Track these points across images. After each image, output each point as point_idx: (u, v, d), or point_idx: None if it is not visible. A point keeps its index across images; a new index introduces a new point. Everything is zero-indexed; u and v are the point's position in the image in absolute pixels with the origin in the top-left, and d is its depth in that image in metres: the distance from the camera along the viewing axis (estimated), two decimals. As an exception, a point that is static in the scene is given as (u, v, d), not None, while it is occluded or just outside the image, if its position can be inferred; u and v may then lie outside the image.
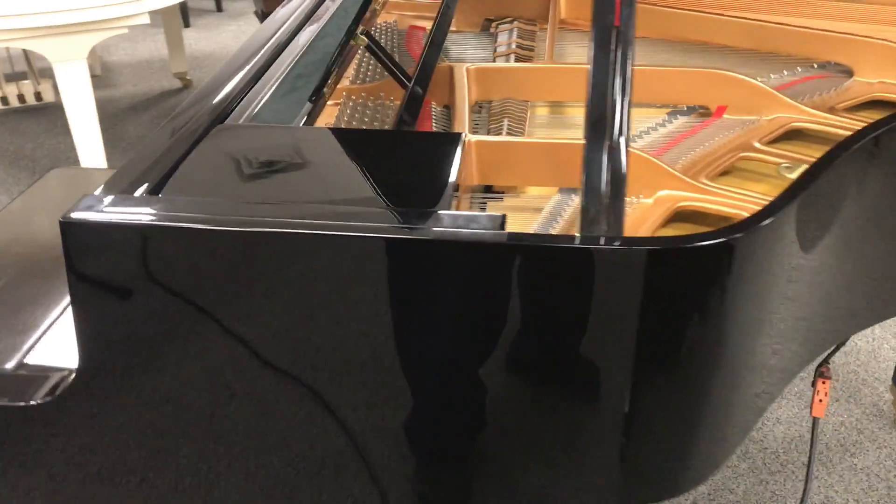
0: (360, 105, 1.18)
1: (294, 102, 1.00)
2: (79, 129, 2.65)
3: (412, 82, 1.08)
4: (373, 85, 1.22)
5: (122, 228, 0.74)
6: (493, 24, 1.61)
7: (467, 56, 1.49)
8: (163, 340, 0.80)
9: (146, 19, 2.58)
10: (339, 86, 1.22)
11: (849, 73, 1.38)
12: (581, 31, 1.58)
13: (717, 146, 1.16)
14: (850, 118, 1.20)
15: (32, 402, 0.85)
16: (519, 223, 1.01)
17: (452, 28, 1.64)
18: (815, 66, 1.40)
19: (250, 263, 0.74)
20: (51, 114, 3.62)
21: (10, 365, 0.96)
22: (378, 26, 1.53)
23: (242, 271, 0.74)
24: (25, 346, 1.01)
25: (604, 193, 0.75)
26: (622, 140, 0.76)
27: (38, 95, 3.53)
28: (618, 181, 0.75)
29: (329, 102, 1.19)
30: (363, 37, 1.05)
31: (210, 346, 0.79)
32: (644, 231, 0.98)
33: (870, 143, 0.98)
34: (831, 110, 1.23)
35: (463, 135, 0.91)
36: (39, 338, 1.02)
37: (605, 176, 0.76)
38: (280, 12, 1.27)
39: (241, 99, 1.03)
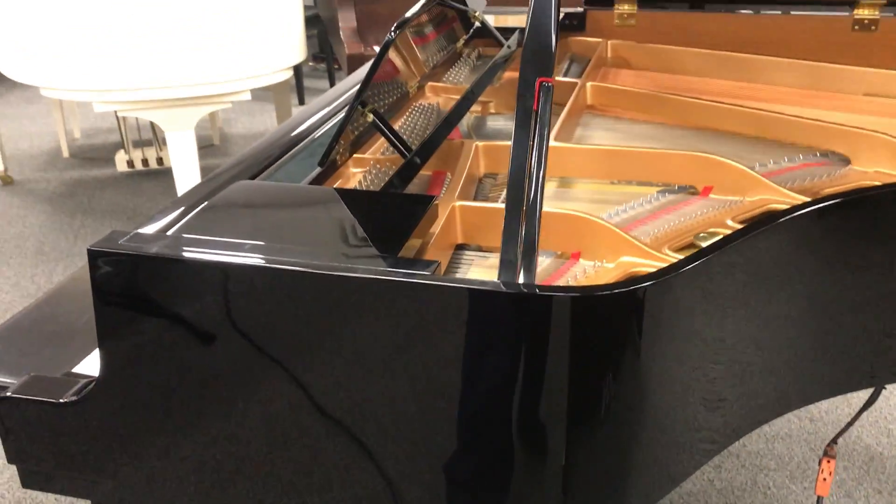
0: (381, 171, 1.35)
1: (307, 167, 1.18)
2: (184, 190, 2.96)
3: (412, 154, 1.24)
4: (393, 157, 1.40)
5: (130, 258, 0.93)
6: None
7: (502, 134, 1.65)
8: (164, 353, 0.97)
9: (248, 96, 2.89)
10: (367, 154, 1.41)
11: (847, 161, 1.45)
12: (610, 117, 1.71)
13: (694, 221, 1.26)
14: (830, 202, 1.28)
15: (62, 400, 1.04)
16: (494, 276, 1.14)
17: (492, 111, 1.82)
18: (818, 154, 1.48)
19: (217, 292, 0.90)
20: (170, 177, 4.00)
21: (58, 373, 1.16)
22: (420, 105, 1.72)
23: (212, 300, 0.91)
24: (76, 359, 1.21)
25: (520, 249, 0.87)
26: (537, 205, 0.88)
27: (159, 160, 3.93)
28: (531, 239, 0.88)
29: (356, 169, 1.37)
30: (370, 113, 1.22)
31: (194, 366, 0.96)
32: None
33: (808, 219, 1.06)
34: (816, 195, 1.31)
35: (435, 198, 1.06)
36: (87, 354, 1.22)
37: (521, 235, 0.88)
38: (327, 93, 1.48)
39: (270, 164, 1.22)
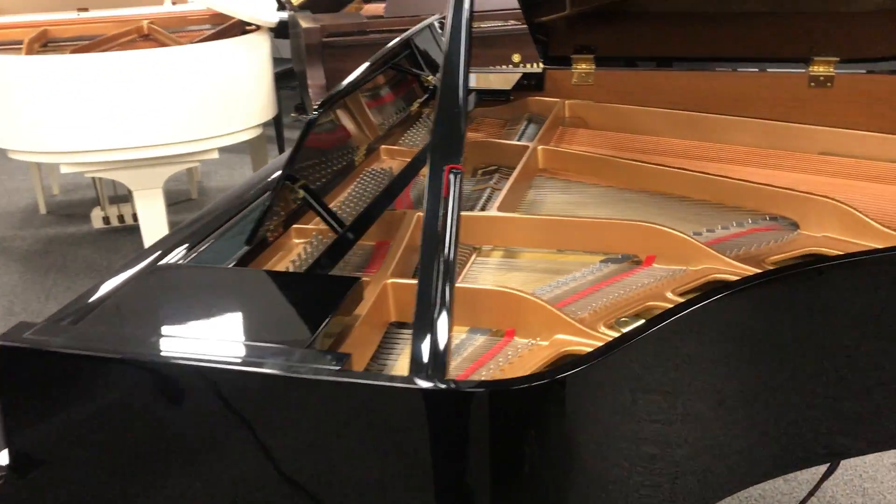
0: (323, 242, 1.33)
1: (234, 245, 1.15)
2: (151, 250, 2.93)
3: (344, 229, 1.22)
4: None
5: (32, 352, 0.90)
6: (479, 171, 1.75)
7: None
8: (67, 447, 0.93)
9: (216, 155, 2.88)
10: (311, 224, 1.38)
11: (796, 226, 1.43)
12: (563, 180, 1.70)
13: (635, 294, 1.23)
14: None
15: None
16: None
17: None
18: (767, 218, 1.46)
19: (117, 388, 0.87)
20: (143, 233, 3.97)
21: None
22: (373, 170, 1.70)
23: (113, 395, 0.88)
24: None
25: (434, 335, 0.84)
26: (447, 296, 0.85)
27: (134, 216, 3.91)
28: (444, 330, 0.85)
29: (299, 240, 1.34)
30: (301, 190, 1.20)
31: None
32: (527, 369, 1.06)
33: (746, 295, 1.04)
34: (759, 263, 1.29)
35: (358, 280, 1.03)
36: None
37: (438, 316, 0.86)
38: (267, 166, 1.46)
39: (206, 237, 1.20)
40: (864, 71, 1.95)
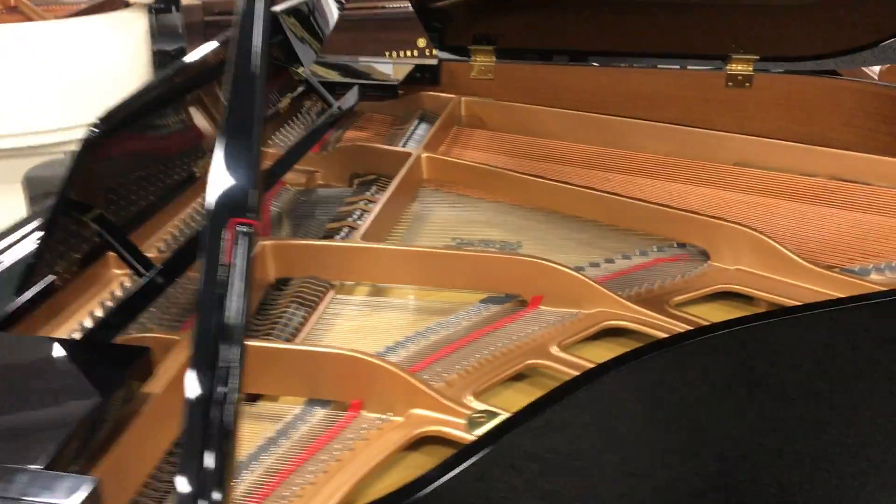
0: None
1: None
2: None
3: (153, 272, 0.98)
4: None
5: None
6: (355, 181, 1.53)
7: (315, 214, 1.41)
8: None
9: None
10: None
11: (707, 256, 1.25)
12: (451, 193, 1.48)
13: (515, 347, 1.03)
14: (678, 318, 1.07)
15: None
16: (251, 434, 0.89)
17: (321, 182, 1.57)
18: (675, 245, 1.28)
19: None
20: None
21: None
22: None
23: None
24: None
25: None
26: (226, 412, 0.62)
27: None
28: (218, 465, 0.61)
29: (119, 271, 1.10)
30: (91, 222, 0.95)
31: None
32: (377, 456, 0.85)
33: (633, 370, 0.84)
34: (661, 306, 1.10)
35: (148, 350, 0.80)
36: None
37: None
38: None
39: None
40: (782, 70, 1.79)
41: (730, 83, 1.79)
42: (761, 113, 1.80)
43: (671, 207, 1.28)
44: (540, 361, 0.99)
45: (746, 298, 1.17)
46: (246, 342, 0.87)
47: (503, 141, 1.72)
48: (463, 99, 1.82)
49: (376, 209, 1.26)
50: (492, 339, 1.05)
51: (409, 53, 1.94)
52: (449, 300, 1.15)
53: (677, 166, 1.57)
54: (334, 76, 1.78)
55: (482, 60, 1.89)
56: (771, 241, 1.18)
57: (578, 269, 1.21)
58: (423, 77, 1.90)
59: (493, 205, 1.45)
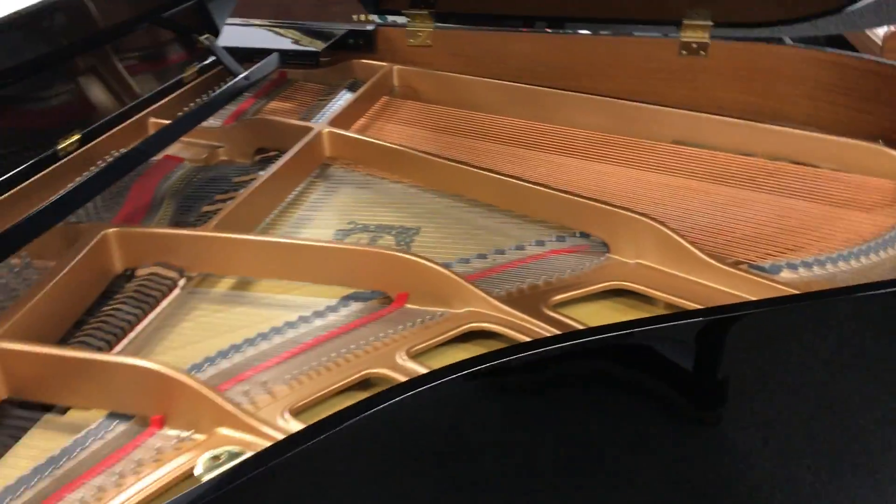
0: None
1: None
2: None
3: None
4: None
5: None
6: (257, 157, 1.42)
7: (209, 194, 1.31)
8: None
9: None
10: None
11: (607, 248, 1.13)
12: (363, 173, 1.38)
13: (360, 354, 0.93)
14: (551, 321, 0.96)
15: None
16: (33, 450, 0.81)
17: (224, 157, 1.47)
18: (578, 234, 1.16)
19: None
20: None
21: None
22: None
23: None
24: None
25: None
26: None
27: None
28: None
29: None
30: None
31: None
32: (159, 481, 0.76)
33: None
34: (537, 308, 0.99)
35: None
36: None
37: None
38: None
39: None
40: (740, 38, 1.64)
41: (683, 51, 1.65)
42: (717, 85, 1.66)
43: (570, 194, 1.16)
44: (379, 371, 0.88)
45: (646, 298, 1.05)
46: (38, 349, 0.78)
47: (433, 114, 1.60)
48: (395, 67, 1.70)
49: (239, 198, 1.15)
50: (341, 343, 0.94)
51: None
52: (314, 295, 1.05)
53: (610, 144, 1.45)
54: (249, 42, 1.68)
55: (419, 26, 1.76)
56: (671, 233, 1.06)
57: (464, 261, 1.11)
58: (357, 44, 1.78)
59: (403, 186, 1.34)
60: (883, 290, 0.87)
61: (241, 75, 1.49)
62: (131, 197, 1.28)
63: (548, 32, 1.75)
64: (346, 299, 1.03)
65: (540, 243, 1.15)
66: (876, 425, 0.93)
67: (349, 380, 0.87)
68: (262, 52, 1.62)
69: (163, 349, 0.96)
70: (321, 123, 1.39)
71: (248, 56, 1.63)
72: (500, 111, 1.59)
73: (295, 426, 0.80)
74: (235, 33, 1.75)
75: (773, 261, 1.07)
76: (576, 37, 1.72)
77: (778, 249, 1.10)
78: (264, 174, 1.22)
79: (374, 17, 1.83)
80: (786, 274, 1.03)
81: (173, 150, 1.44)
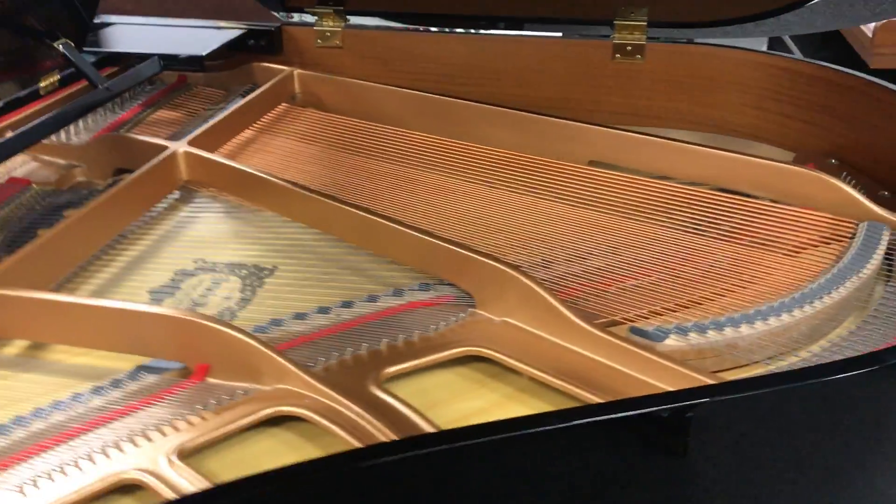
0: None
1: None
2: None
3: None
4: None
5: None
6: (113, 178, 1.26)
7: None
8: None
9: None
10: None
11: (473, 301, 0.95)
12: (227, 199, 1.20)
13: (130, 445, 0.76)
14: (377, 405, 0.78)
15: None
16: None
17: (82, 178, 1.30)
18: (443, 283, 0.99)
19: None
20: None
21: None
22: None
23: None
24: None
25: None
26: None
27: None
28: None
29: None
30: None
31: None
32: None
33: None
34: (363, 384, 0.82)
35: None
36: None
37: None
38: None
39: None
40: (681, 41, 1.45)
41: (617, 55, 1.46)
42: (655, 92, 1.47)
43: (432, 236, 0.98)
44: (133, 477, 0.71)
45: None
46: None
47: (332, 126, 1.43)
48: (296, 72, 1.52)
49: (46, 234, 0.98)
50: (107, 431, 0.77)
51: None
52: (112, 363, 0.88)
53: (519, 165, 1.26)
54: (132, 45, 1.51)
55: (328, 25, 1.59)
56: (536, 288, 0.88)
57: (300, 317, 0.94)
58: (258, 45, 1.61)
59: (272, 216, 1.17)
60: (768, 389, 0.69)
61: (104, 85, 1.31)
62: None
63: (469, 34, 1.56)
64: (141, 370, 0.86)
65: (398, 293, 0.97)
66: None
67: (94, 489, 0.70)
68: (144, 57, 1.45)
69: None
70: (180, 143, 1.22)
71: (135, 60, 1.46)
72: (407, 124, 1.41)
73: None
74: (122, 35, 1.59)
75: (661, 322, 0.89)
76: (499, 38, 1.54)
77: (672, 306, 0.92)
78: (78, 210, 1.05)
79: (280, 15, 1.65)
80: (672, 341, 0.85)
81: (21, 171, 1.28)
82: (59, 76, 1.36)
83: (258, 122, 1.42)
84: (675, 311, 0.91)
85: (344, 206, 1.05)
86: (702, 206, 1.11)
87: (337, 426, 0.76)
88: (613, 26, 1.45)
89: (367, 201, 1.13)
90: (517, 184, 1.21)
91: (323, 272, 1.04)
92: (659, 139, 1.23)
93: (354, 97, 1.48)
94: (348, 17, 1.59)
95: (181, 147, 1.20)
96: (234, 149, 1.35)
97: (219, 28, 1.61)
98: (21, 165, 1.30)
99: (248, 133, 1.40)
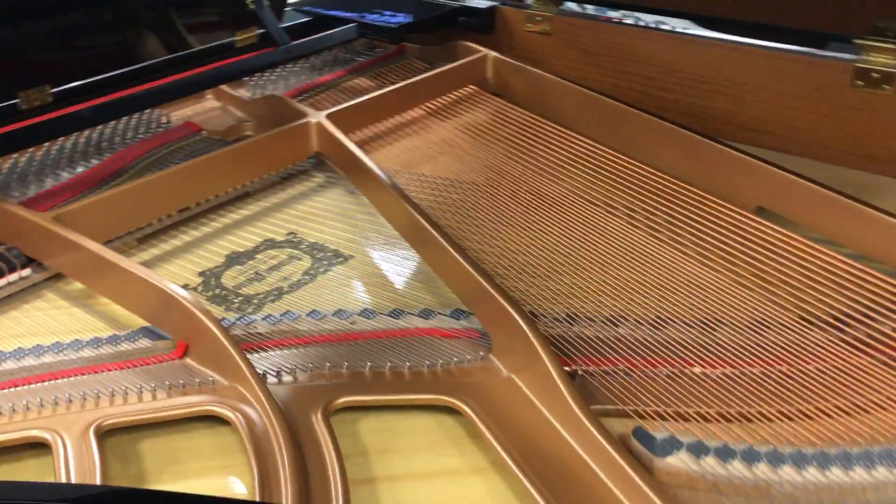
0: None
1: None
2: None
3: None
4: None
5: None
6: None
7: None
8: None
9: None
10: None
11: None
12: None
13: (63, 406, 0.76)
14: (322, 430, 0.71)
15: None
16: None
17: (249, 133, 1.35)
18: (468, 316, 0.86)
19: None
20: None
21: None
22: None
23: None
24: None
25: None
26: None
27: None
28: None
29: None
30: None
31: None
32: None
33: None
34: (314, 412, 0.74)
35: None
36: None
37: None
38: None
39: None
40: None
41: (859, 81, 1.18)
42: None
43: (467, 259, 0.85)
44: (43, 437, 0.71)
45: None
46: None
47: (503, 119, 1.33)
48: (490, 56, 1.43)
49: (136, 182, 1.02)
50: (67, 384, 0.78)
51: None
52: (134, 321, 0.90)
53: (673, 197, 1.07)
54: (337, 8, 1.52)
55: (539, 9, 1.47)
56: (539, 348, 0.73)
57: (290, 316, 0.88)
58: (469, 22, 1.54)
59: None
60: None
61: (283, 45, 1.34)
62: (107, 160, 1.22)
63: (687, 34, 1.35)
64: (143, 332, 0.86)
65: (427, 316, 0.87)
66: None
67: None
68: (345, 22, 1.46)
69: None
70: (320, 113, 1.20)
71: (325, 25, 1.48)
72: (579, 127, 1.26)
73: None
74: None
75: (670, 429, 0.69)
76: (720, 44, 1.31)
77: (695, 411, 0.71)
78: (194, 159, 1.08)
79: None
80: (674, 460, 0.66)
81: (200, 118, 1.36)
82: (256, 32, 1.41)
83: (435, 101, 1.36)
84: (724, 421, 0.71)
85: (410, 210, 0.96)
86: (859, 293, 0.85)
87: (252, 444, 0.70)
88: (860, 47, 1.17)
89: (499, 205, 1.05)
90: (658, 221, 1.02)
91: (382, 273, 0.97)
92: (846, 199, 0.95)
93: (534, 88, 1.36)
94: (563, 1, 1.46)
95: (317, 118, 1.19)
96: (395, 125, 1.31)
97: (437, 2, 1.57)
98: (202, 113, 1.38)
99: (419, 111, 1.35)
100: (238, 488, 0.70)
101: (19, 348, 0.84)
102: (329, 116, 1.20)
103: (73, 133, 1.21)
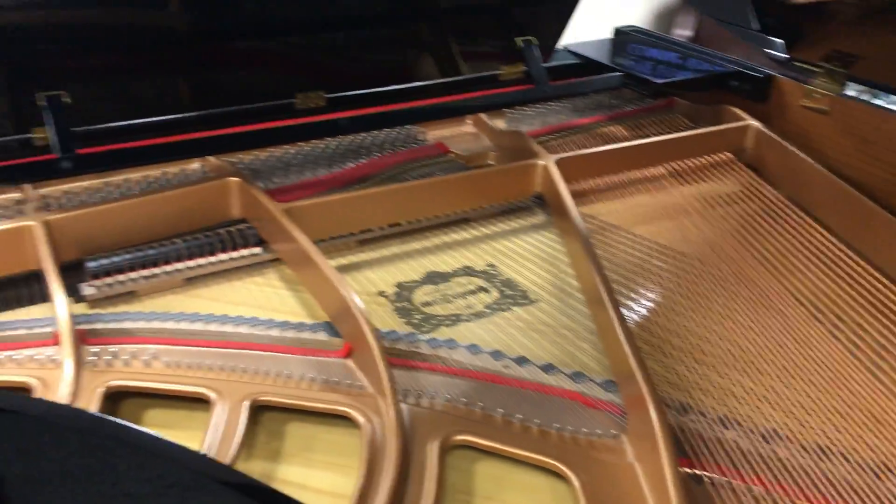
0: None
1: None
2: None
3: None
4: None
5: None
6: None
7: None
8: None
9: None
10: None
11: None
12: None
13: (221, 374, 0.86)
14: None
15: None
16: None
17: (491, 162, 1.41)
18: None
19: None
20: None
21: None
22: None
23: None
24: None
25: None
26: None
27: None
28: None
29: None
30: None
31: None
32: None
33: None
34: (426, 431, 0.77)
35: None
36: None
37: None
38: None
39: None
40: None
41: None
42: None
43: (617, 332, 0.83)
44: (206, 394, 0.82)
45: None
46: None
47: (745, 194, 1.27)
48: (751, 125, 1.37)
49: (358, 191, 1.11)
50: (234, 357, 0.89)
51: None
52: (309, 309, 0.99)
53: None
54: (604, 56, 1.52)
55: (821, 85, 1.37)
56: (663, 449, 0.70)
57: (451, 344, 0.92)
58: (742, 88, 1.48)
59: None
60: None
61: (544, 86, 1.38)
62: (359, 165, 1.33)
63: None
64: (324, 325, 0.95)
65: (578, 377, 0.87)
66: None
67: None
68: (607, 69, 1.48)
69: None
70: (552, 157, 1.23)
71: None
72: (826, 219, 1.17)
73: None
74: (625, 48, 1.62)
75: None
76: None
77: None
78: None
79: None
80: None
81: (452, 141, 1.44)
82: (521, 69, 1.47)
83: (683, 162, 1.33)
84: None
85: (591, 267, 0.95)
86: None
87: (367, 453, 0.75)
88: None
89: (697, 282, 1.02)
90: (865, 341, 0.93)
91: (554, 325, 0.98)
92: None
93: (789, 169, 1.28)
94: (848, 82, 1.35)
95: (547, 160, 1.22)
96: (633, 178, 1.30)
97: (712, 61, 1.52)
98: (457, 136, 1.46)
99: (662, 168, 1.33)
100: (345, 489, 0.75)
101: (225, 315, 0.97)
102: (558, 161, 1.22)
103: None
